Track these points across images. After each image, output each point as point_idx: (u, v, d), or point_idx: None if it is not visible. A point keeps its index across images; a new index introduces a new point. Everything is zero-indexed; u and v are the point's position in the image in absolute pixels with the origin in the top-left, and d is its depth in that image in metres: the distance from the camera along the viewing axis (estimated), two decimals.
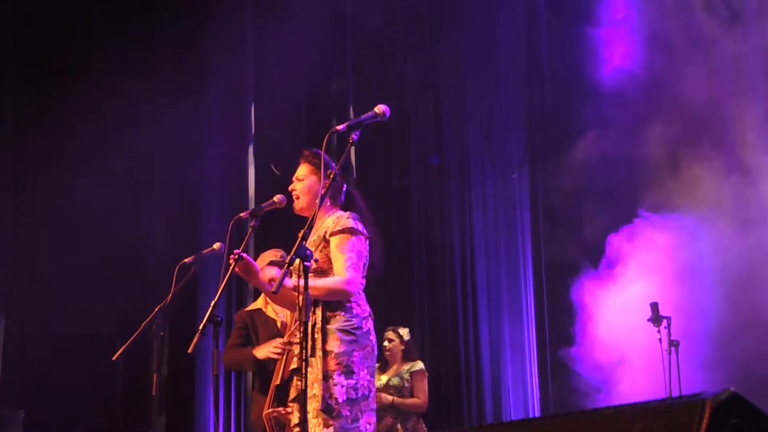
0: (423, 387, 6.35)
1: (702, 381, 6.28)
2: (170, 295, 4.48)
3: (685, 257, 6.75)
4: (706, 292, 6.59)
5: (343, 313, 3.81)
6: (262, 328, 5.32)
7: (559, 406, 7.40)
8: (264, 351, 5.14)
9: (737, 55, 7.01)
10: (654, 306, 6.43)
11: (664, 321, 6.40)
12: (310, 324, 3.74)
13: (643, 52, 7.35)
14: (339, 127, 3.54)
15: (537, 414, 7.42)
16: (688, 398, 1.66)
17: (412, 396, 6.32)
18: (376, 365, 6.58)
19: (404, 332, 6.53)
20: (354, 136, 3.49)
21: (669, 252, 6.83)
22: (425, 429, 6.34)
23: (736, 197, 6.78)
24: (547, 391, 7.62)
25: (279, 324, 5.32)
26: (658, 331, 6.43)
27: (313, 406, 3.69)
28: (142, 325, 4.54)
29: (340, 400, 3.69)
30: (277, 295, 3.96)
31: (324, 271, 3.87)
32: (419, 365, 6.41)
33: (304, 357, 3.23)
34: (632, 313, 6.74)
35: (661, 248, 6.87)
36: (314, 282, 3.74)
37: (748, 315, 6.58)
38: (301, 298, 3.31)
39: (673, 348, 6.36)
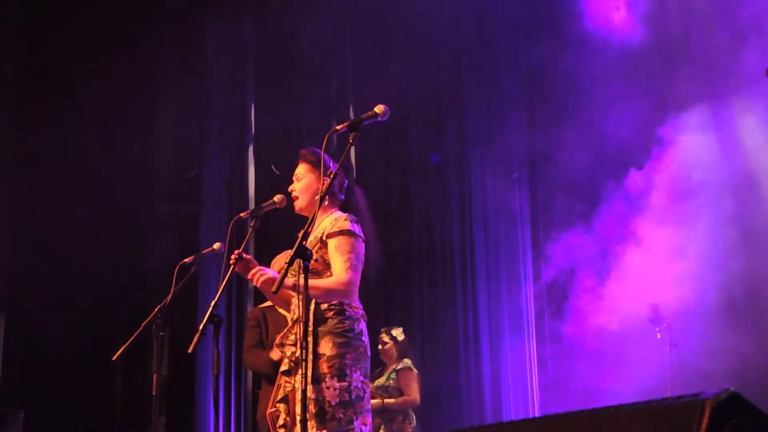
0: (410, 383, 6.31)
1: (702, 381, 6.28)
2: (170, 295, 4.48)
3: (687, 256, 6.74)
4: (708, 292, 6.58)
5: (334, 315, 3.80)
6: (272, 325, 5.35)
7: (559, 406, 7.39)
8: (277, 353, 5.19)
9: None
10: (654, 306, 6.44)
11: (664, 321, 6.42)
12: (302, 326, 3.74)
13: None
14: (339, 127, 3.54)
15: (537, 414, 7.42)
16: (688, 398, 1.66)
17: (401, 395, 6.29)
18: (376, 370, 6.60)
19: (398, 333, 6.49)
20: (354, 136, 3.49)
21: (671, 252, 6.82)
22: (411, 429, 6.30)
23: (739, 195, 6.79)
24: (547, 391, 7.62)
25: (290, 321, 5.35)
26: (658, 331, 6.44)
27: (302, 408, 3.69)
28: (142, 325, 4.53)
29: (333, 403, 3.68)
30: (277, 295, 3.96)
31: (318, 273, 3.84)
32: (404, 363, 6.37)
33: (304, 357, 3.23)
34: (633, 313, 6.75)
35: (664, 248, 6.86)
36: (313, 282, 3.73)
37: (749, 314, 6.58)
38: (300, 298, 3.30)
39: (673, 348, 6.38)
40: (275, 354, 5.18)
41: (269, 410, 4.95)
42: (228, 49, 7.63)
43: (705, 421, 1.59)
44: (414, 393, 6.30)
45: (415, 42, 7.82)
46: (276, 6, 7.70)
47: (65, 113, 7.25)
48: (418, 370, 6.48)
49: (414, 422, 6.36)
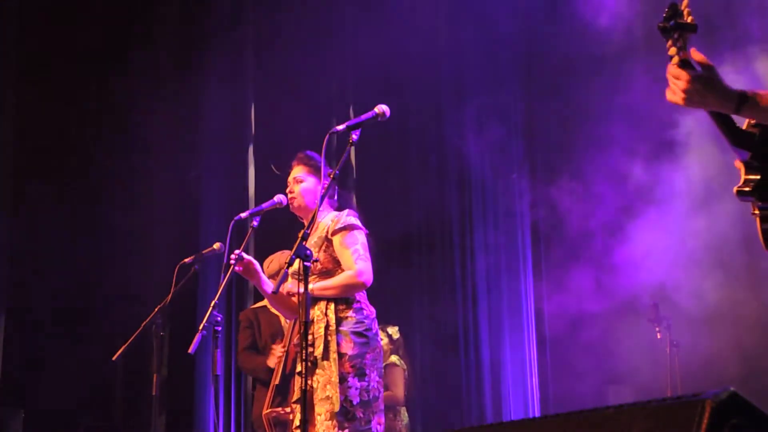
0: (396, 380, 6.30)
1: (702, 381, 6.28)
2: (170, 295, 4.49)
3: (686, 253, 6.73)
4: (707, 289, 6.57)
5: (354, 315, 3.85)
6: (266, 325, 5.37)
7: (559, 406, 7.39)
8: (273, 359, 5.21)
9: None
10: (654, 306, 6.44)
11: (664, 321, 6.42)
12: (322, 326, 3.77)
13: None
14: (339, 127, 3.55)
15: (537, 414, 7.42)
16: (688, 398, 1.66)
17: (386, 390, 6.28)
18: None
19: (393, 331, 6.48)
20: (354, 136, 3.50)
21: (670, 248, 6.81)
22: (402, 426, 6.29)
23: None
24: (547, 391, 7.62)
25: (283, 321, 5.35)
26: (659, 331, 6.44)
27: (325, 408, 3.71)
28: (142, 325, 4.54)
29: (354, 403, 3.72)
30: (277, 298, 3.98)
31: (329, 272, 3.89)
32: (391, 359, 6.37)
33: (304, 357, 3.24)
34: (633, 312, 6.74)
35: (662, 245, 6.85)
36: (327, 282, 3.79)
37: (750, 313, 6.57)
38: (300, 298, 3.31)
39: (673, 348, 6.38)
40: (271, 361, 5.20)
41: (265, 411, 4.96)
42: (228, 49, 7.63)
43: (705, 421, 1.59)
44: (398, 390, 6.30)
45: (416, 39, 7.81)
46: (276, 5, 7.70)
47: (66, 112, 7.25)
48: (411, 368, 6.49)
49: (405, 420, 6.34)
